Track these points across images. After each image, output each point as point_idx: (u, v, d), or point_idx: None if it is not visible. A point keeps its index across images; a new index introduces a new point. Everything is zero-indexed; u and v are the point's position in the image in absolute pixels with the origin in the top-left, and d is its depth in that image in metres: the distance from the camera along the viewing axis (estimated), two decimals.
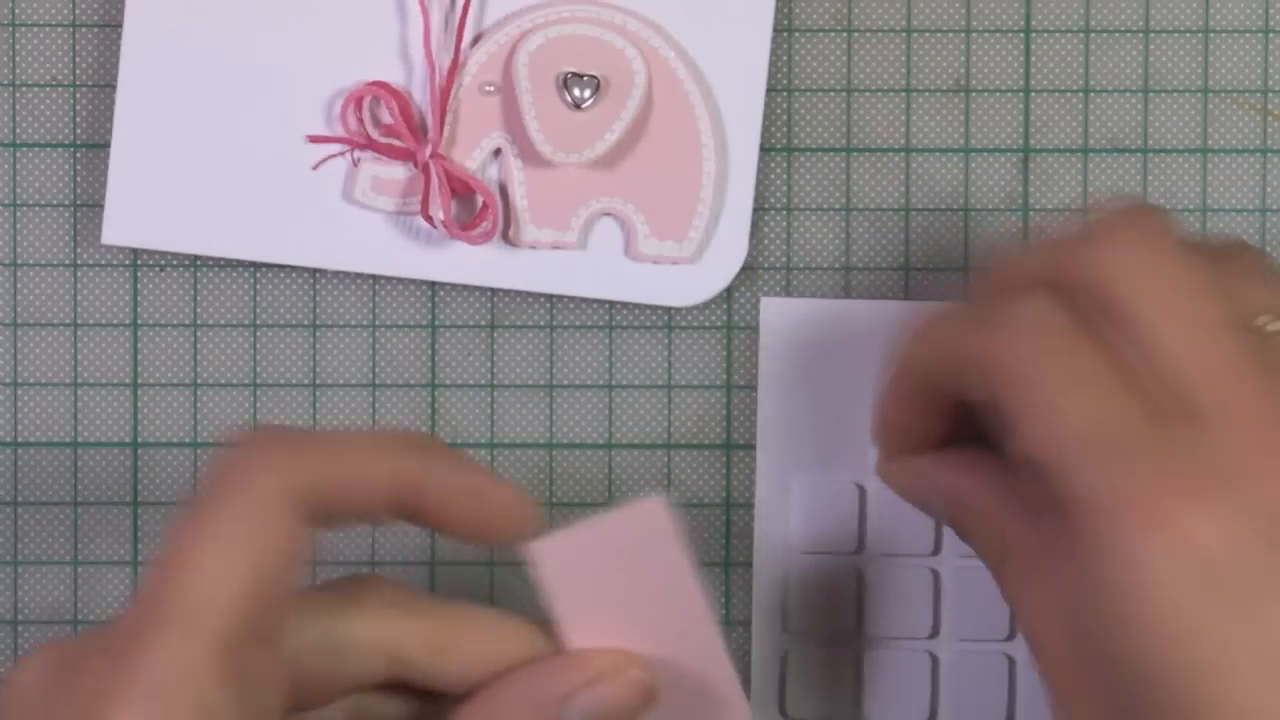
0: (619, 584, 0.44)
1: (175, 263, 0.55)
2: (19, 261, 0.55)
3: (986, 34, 0.55)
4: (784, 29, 0.55)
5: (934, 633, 0.54)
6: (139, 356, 0.55)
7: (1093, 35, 0.55)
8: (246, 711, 0.41)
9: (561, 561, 0.44)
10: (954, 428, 0.47)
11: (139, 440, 0.55)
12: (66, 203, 0.55)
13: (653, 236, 0.53)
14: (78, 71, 0.55)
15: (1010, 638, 0.54)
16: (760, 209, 0.54)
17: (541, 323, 0.55)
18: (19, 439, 0.55)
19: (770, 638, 0.54)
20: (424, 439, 0.46)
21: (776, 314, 0.54)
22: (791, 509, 0.54)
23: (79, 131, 0.55)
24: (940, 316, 0.45)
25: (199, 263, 0.55)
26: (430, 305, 0.55)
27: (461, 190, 0.53)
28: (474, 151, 0.53)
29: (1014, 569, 0.44)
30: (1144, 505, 0.39)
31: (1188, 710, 0.39)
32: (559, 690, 0.43)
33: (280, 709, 0.43)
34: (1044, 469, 0.41)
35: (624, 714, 0.44)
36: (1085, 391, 0.41)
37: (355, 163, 0.54)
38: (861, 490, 0.54)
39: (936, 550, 0.54)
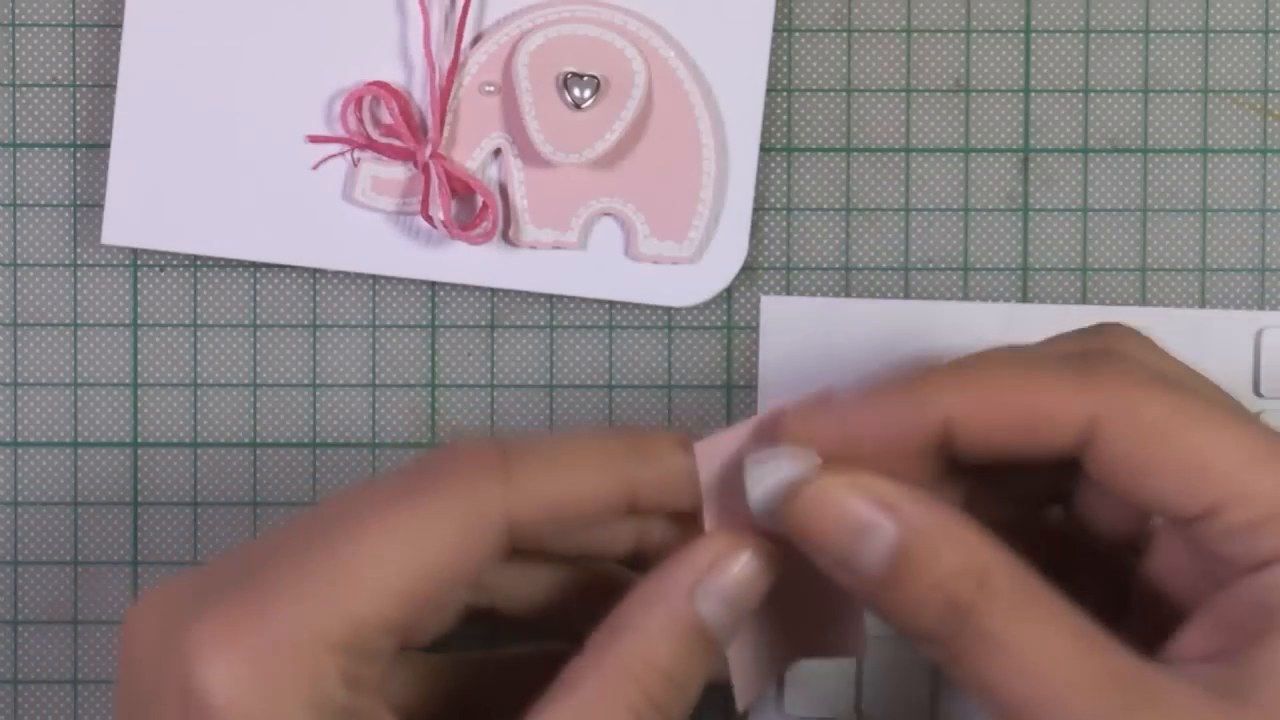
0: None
1: (175, 263, 0.55)
2: (19, 261, 0.55)
3: (986, 34, 0.55)
4: (784, 29, 0.55)
5: None
6: (139, 356, 0.55)
7: (1093, 35, 0.55)
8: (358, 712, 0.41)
9: (718, 463, 0.44)
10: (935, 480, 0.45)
11: (139, 440, 0.55)
12: (66, 203, 0.55)
13: (653, 236, 0.53)
14: (78, 71, 0.55)
15: None
16: (760, 209, 0.54)
17: (541, 323, 0.55)
18: (19, 439, 0.55)
19: None
20: (634, 439, 0.45)
21: (776, 312, 0.54)
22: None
23: (79, 131, 0.55)
24: (990, 372, 0.43)
25: (199, 263, 0.55)
26: (430, 305, 0.55)
27: (461, 190, 0.53)
28: (474, 151, 0.53)
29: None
30: None
31: None
32: (685, 582, 0.43)
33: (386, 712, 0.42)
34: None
35: (755, 593, 0.44)
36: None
37: (355, 163, 0.54)
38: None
39: None
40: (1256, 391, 0.54)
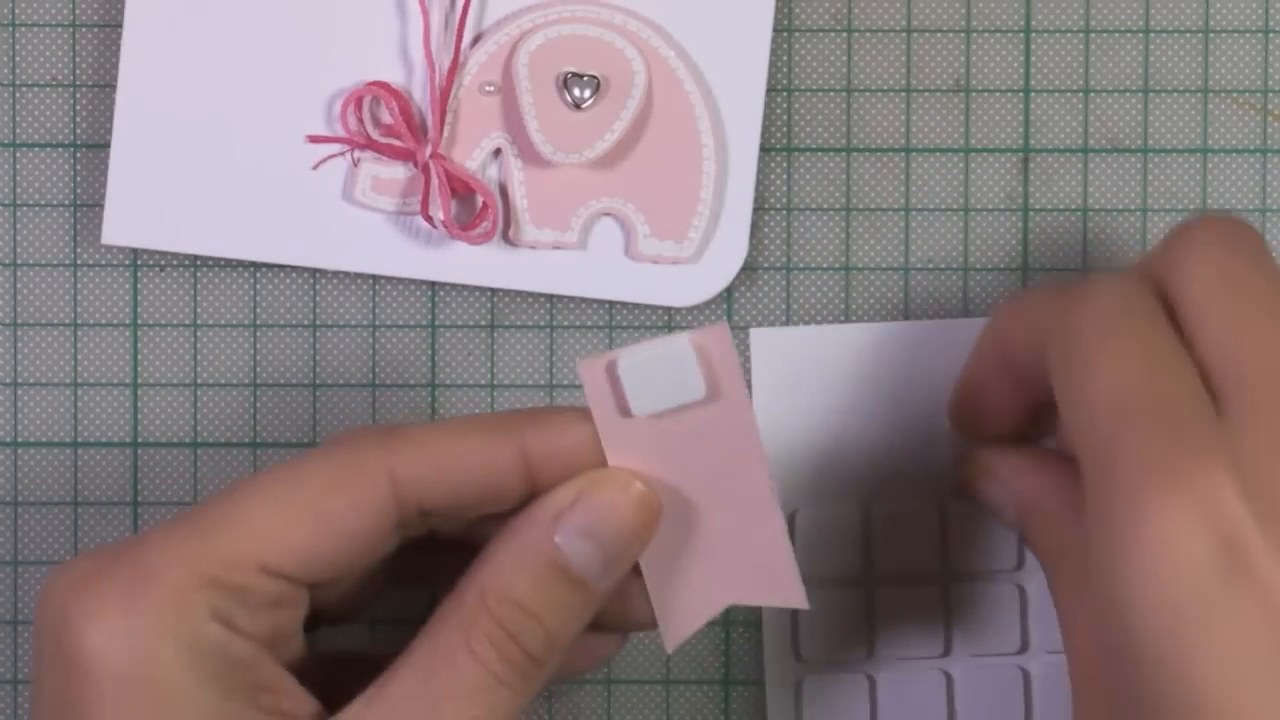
0: (673, 419, 0.43)
1: (175, 263, 0.55)
2: (19, 261, 0.55)
3: (986, 34, 0.55)
4: (784, 29, 0.55)
5: (946, 651, 0.53)
6: (139, 356, 0.55)
7: (1093, 35, 0.55)
8: (234, 669, 0.41)
9: (608, 382, 0.43)
10: (1031, 419, 0.47)
11: (139, 440, 0.55)
12: (66, 203, 0.55)
13: (653, 236, 0.53)
14: (78, 71, 0.55)
15: (1023, 650, 0.53)
16: (760, 209, 0.54)
17: (541, 323, 0.55)
18: (19, 439, 0.55)
19: (783, 667, 0.54)
20: (532, 410, 0.45)
21: (767, 345, 0.54)
22: (796, 542, 0.54)
23: (79, 131, 0.55)
24: (1031, 293, 0.47)
25: (199, 263, 0.55)
26: (430, 305, 0.55)
27: (461, 190, 0.53)
28: (474, 151, 0.53)
29: (1064, 576, 0.44)
30: (1164, 466, 0.39)
31: (1180, 683, 0.39)
32: (545, 516, 0.43)
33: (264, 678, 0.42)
34: (1080, 435, 0.41)
35: (625, 529, 0.44)
36: (1136, 363, 0.41)
37: (355, 163, 0.54)
38: (866, 516, 0.54)
39: (944, 571, 0.53)
40: None
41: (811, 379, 0.54)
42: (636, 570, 0.45)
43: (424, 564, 0.47)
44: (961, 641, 0.53)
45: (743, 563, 0.45)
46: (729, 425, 0.44)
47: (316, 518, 0.42)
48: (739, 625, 0.54)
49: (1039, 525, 0.45)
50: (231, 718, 0.41)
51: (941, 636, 0.53)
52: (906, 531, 0.53)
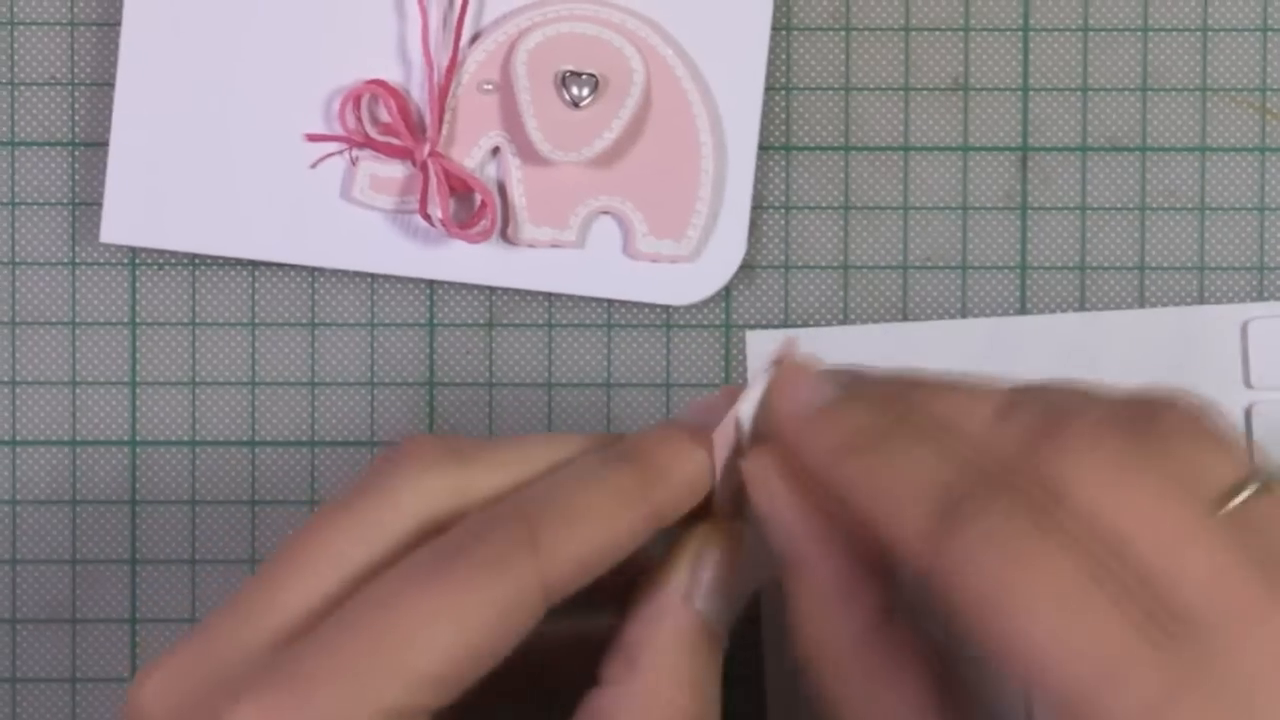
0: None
1: (173, 261, 0.55)
2: (17, 260, 0.55)
3: (985, 32, 0.55)
4: (782, 27, 0.55)
5: None
6: (137, 355, 0.55)
7: (1091, 34, 0.55)
8: None
9: (734, 429, 0.44)
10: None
11: (137, 439, 0.55)
12: (65, 201, 0.55)
13: (651, 235, 0.53)
14: (76, 70, 0.55)
15: None
16: (759, 207, 0.54)
17: (540, 321, 0.55)
18: (17, 438, 0.55)
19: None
20: (645, 468, 0.44)
21: (763, 347, 0.54)
22: None
23: (77, 130, 0.55)
24: (909, 466, 0.40)
25: (197, 261, 0.55)
26: (429, 304, 0.55)
27: (460, 189, 0.53)
28: (472, 150, 0.53)
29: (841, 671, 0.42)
30: None
31: None
32: (678, 589, 0.43)
33: None
34: (1032, 683, 0.37)
35: (734, 578, 0.44)
36: (1074, 610, 0.37)
37: (353, 161, 0.54)
38: None
39: None
40: (1247, 383, 0.54)
41: None
42: None
43: None
44: None
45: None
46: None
47: (480, 651, 0.41)
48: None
49: (811, 605, 0.43)
50: None
51: None
52: None
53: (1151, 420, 0.40)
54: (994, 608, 0.37)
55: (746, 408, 0.43)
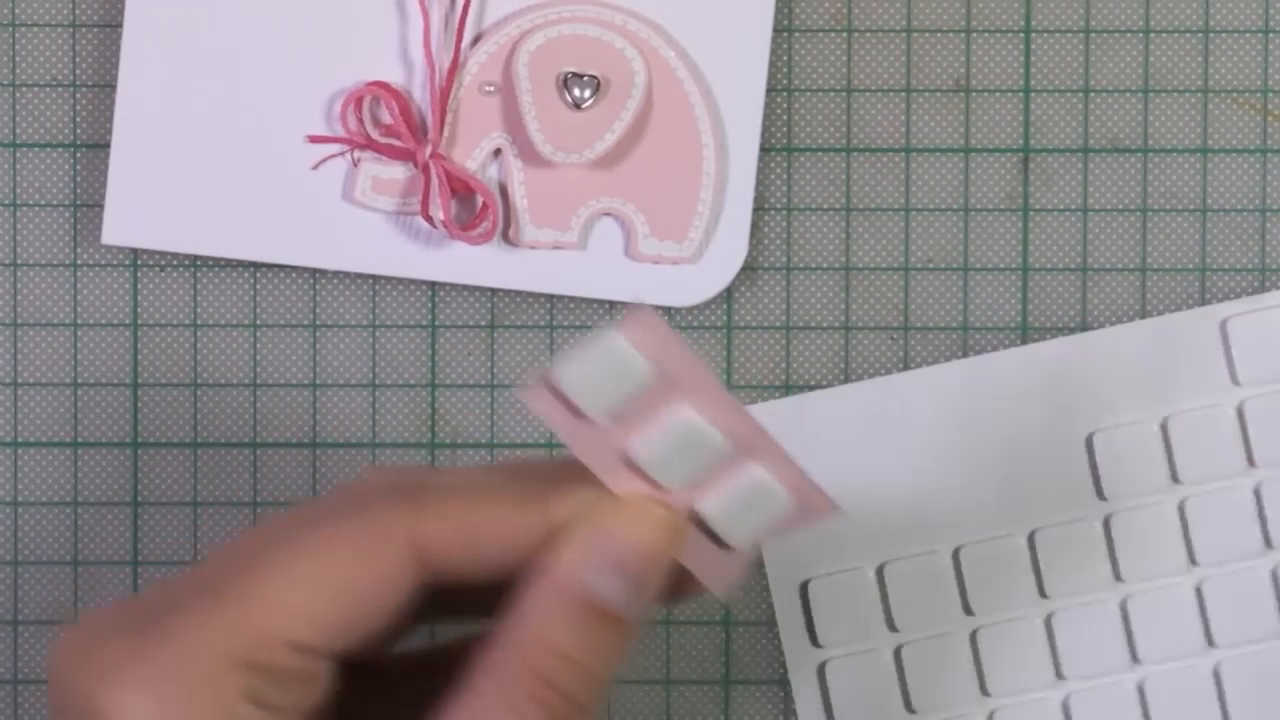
0: (640, 415, 0.42)
1: (175, 263, 0.55)
2: (19, 261, 0.55)
3: (986, 34, 0.55)
4: (784, 29, 0.55)
5: (983, 692, 0.54)
6: (139, 356, 0.55)
7: (1093, 35, 0.55)
8: None
9: (560, 404, 0.42)
10: None
11: (139, 440, 0.55)
12: (66, 203, 0.55)
13: (653, 236, 0.53)
14: (78, 71, 0.55)
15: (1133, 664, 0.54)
16: (760, 209, 0.54)
17: (541, 323, 0.55)
18: (19, 439, 0.55)
19: (803, 654, 0.54)
20: (556, 475, 0.44)
21: (765, 418, 0.54)
22: (813, 613, 0.54)
23: (79, 131, 0.55)
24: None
25: (199, 263, 0.55)
26: (430, 305, 0.55)
27: (461, 190, 0.53)
28: (474, 151, 0.53)
29: None
30: None
31: None
32: (569, 557, 0.42)
33: None
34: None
35: (650, 558, 0.43)
36: None
37: (355, 163, 0.54)
38: (879, 574, 0.54)
39: (968, 613, 0.54)
40: (1235, 381, 0.54)
41: (812, 445, 0.53)
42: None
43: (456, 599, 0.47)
44: (995, 683, 0.54)
45: (755, 494, 0.44)
46: (690, 387, 0.43)
47: (342, 593, 0.42)
48: (739, 625, 0.54)
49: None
50: None
51: (974, 677, 0.54)
52: (998, 567, 0.53)
53: None
54: None
55: (564, 373, 0.42)
